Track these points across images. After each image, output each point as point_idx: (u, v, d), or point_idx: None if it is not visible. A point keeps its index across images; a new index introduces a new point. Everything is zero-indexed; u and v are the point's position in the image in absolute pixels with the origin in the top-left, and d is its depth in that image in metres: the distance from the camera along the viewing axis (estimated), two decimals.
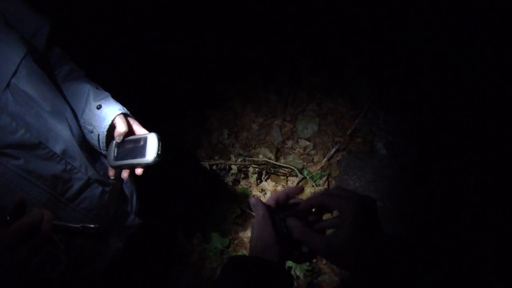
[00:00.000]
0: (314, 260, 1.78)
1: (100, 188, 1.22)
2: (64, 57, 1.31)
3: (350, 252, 0.72)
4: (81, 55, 1.38)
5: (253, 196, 2.09)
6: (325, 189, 2.06)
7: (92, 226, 0.96)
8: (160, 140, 1.18)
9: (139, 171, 1.21)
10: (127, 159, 1.19)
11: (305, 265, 1.77)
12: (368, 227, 0.74)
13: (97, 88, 1.26)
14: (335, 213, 0.82)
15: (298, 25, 2.41)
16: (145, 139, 1.19)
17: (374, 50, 2.29)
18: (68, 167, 1.12)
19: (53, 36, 1.22)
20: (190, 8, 2.34)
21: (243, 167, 2.16)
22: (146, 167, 1.20)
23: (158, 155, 1.17)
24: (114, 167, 1.22)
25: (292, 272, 1.76)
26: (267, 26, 2.41)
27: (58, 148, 1.09)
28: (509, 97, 1.84)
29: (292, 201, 0.87)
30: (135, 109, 1.29)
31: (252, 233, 0.82)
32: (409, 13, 2.13)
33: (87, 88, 1.24)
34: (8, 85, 0.98)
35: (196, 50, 2.40)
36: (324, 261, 1.79)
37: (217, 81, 2.43)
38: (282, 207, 0.85)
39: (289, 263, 1.75)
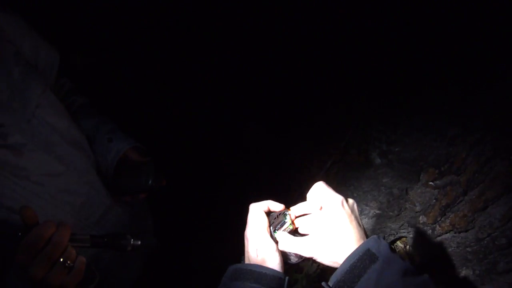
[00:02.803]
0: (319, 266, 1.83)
1: (121, 210, 1.29)
2: (73, 88, 1.37)
3: (334, 249, 0.83)
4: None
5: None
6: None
7: (116, 242, 0.98)
8: (155, 167, 1.29)
9: (142, 195, 1.30)
10: (129, 186, 1.28)
11: (312, 277, 1.81)
12: (347, 222, 0.83)
13: (105, 121, 1.34)
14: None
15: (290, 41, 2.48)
16: (144, 167, 1.29)
17: (363, 60, 2.36)
18: (91, 193, 1.18)
19: (61, 67, 1.28)
20: None
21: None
22: (148, 191, 1.30)
23: (154, 182, 1.27)
24: (120, 193, 1.31)
25: (299, 285, 1.80)
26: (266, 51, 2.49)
27: (80, 176, 1.15)
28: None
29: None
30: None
31: (250, 242, 0.90)
32: (393, 20, 2.21)
33: (96, 121, 1.32)
34: (33, 116, 1.03)
35: None
36: (330, 272, 1.83)
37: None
38: (270, 216, 0.95)
39: (297, 276, 1.80)
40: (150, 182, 1.27)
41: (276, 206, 0.96)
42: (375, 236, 0.81)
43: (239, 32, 2.33)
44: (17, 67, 1.03)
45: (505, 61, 1.56)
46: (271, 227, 0.93)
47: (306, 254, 0.87)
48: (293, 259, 0.94)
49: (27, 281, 0.82)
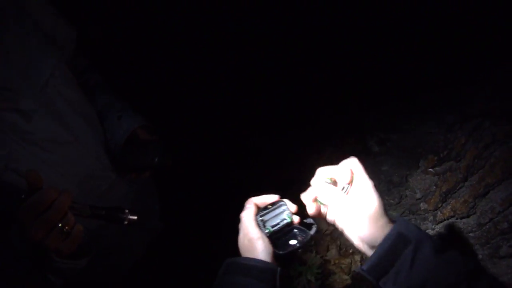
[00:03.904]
0: (320, 261, 1.84)
1: (126, 187, 1.30)
2: (89, 66, 1.38)
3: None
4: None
5: None
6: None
7: (115, 215, 0.99)
8: (163, 146, 1.30)
9: (146, 173, 1.31)
10: (135, 163, 1.29)
11: (316, 269, 1.83)
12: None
13: (117, 99, 1.35)
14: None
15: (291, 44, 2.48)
16: (151, 145, 1.30)
17: (362, 50, 2.36)
18: (98, 166, 1.19)
19: (79, 46, 1.29)
20: None
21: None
22: (153, 169, 1.31)
23: (160, 160, 1.29)
24: (125, 170, 1.32)
25: (304, 277, 1.81)
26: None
27: (88, 148, 1.17)
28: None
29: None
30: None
31: (240, 232, 0.95)
32: (390, 15, 2.21)
33: (109, 98, 1.33)
34: (46, 85, 1.06)
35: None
36: (333, 262, 1.84)
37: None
38: (260, 209, 0.99)
39: (301, 268, 1.81)
40: (156, 160, 1.29)
41: (268, 198, 1.00)
42: (401, 218, 0.85)
43: (239, 33, 2.33)
44: (35, 37, 1.07)
45: (502, 49, 1.57)
46: (258, 215, 0.96)
47: (338, 220, 0.90)
48: (283, 248, 0.94)
49: (26, 241, 0.85)
